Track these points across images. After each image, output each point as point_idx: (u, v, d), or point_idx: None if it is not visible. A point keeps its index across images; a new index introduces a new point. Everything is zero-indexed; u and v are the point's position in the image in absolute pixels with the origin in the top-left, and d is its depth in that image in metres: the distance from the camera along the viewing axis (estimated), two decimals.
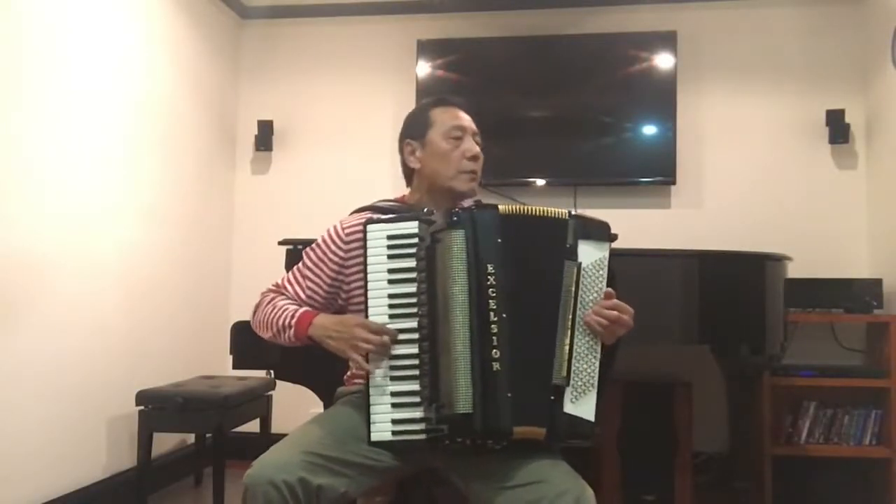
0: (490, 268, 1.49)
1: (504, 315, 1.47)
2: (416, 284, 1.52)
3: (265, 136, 3.99)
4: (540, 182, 3.72)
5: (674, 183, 3.66)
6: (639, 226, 3.67)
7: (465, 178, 1.73)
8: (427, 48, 3.83)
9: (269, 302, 1.73)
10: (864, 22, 3.59)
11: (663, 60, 3.67)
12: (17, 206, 2.50)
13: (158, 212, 3.33)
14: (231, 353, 2.31)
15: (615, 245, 2.24)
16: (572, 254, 1.52)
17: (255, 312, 1.76)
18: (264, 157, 4.06)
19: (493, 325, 1.46)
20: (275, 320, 1.67)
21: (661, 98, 3.65)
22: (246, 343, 1.95)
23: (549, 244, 1.53)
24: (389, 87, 3.86)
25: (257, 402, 3.16)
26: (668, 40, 3.67)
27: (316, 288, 1.73)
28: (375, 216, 1.63)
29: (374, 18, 4.00)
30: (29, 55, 2.56)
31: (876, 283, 3.25)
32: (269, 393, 3.26)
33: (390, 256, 1.54)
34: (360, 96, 3.95)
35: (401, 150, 1.82)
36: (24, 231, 2.53)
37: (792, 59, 3.68)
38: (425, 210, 1.58)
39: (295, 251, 2.33)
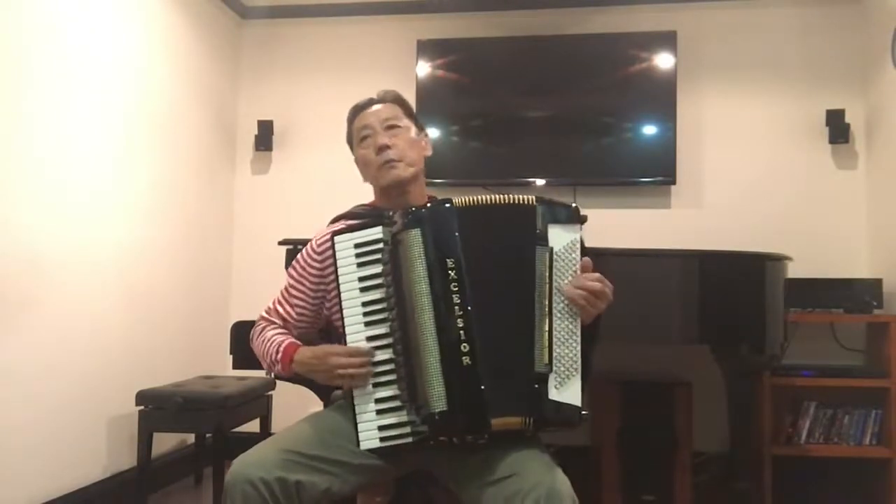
0: (450, 262, 1.48)
1: (470, 308, 1.47)
2: (385, 289, 1.52)
3: (265, 136, 3.99)
4: (540, 182, 3.72)
5: (674, 183, 3.65)
6: (639, 226, 3.68)
7: (383, 172, 1.73)
8: (427, 48, 3.83)
9: (260, 333, 1.76)
10: (864, 22, 3.59)
11: (663, 60, 3.67)
12: (16, 206, 2.50)
13: (158, 212, 3.33)
14: (231, 353, 2.32)
15: (616, 245, 2.26)
16: (543, 239, 1.51)
17: (252, 341, 1.79)
18: (264, 157, 4.06)
19: (459, 320, 1.46)
20: (265, 353, 1.71)
21: (661, 98, 3.65)
22: (246, 343, 1.95)
23: (516, 231, 1.52)
24: (389, 87, 3.81)
25: (257, 402, 3.16)
26: (668, 40, 3.67)
27: (303, 304, 1.75)
28: (345, 225, 1.64)
29: (374, 18, 4.00)
30: (28, 55, 2.56)
31: (876, 283, 3.25)
32: (269, 393, 3.26)
33: (359, 265, 1.55)
34: (361, 96, 3.89)
35: None
36: (23, 231, 2.53)
37: (792, 59, 3.68)
38: (389, 213, 1.58)
39: (295, 251, 2.33)
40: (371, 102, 1.83)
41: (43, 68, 2.62)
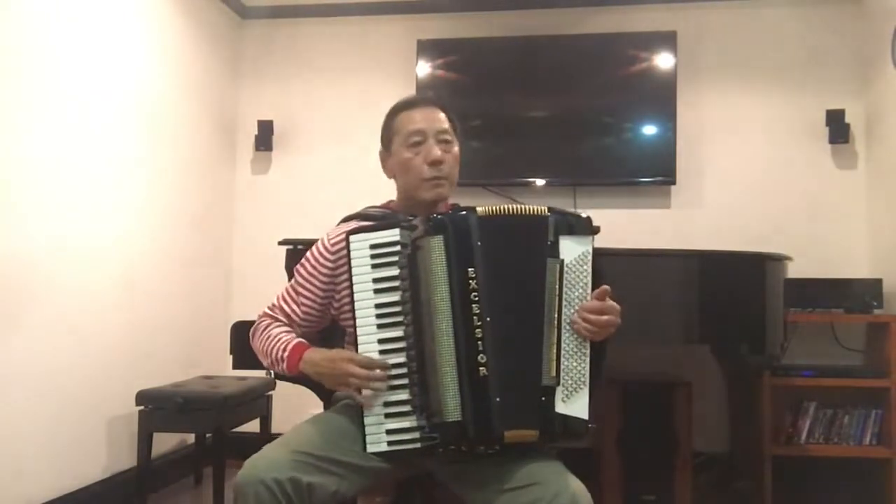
0: (471, 272, 1.48)
1: (489, 318, 1.46)
2: (400, 293, 1.51)
3: (265, 136, 3.99)
4: (540, 182, 3.72)
5: (674, 183, 3.65)
6: (639, 226, 3.68)
7: (428, 186, 1.68)
8: (427, 48, 3.83)
9: (264, 330, 1.73)
10: (864, 22, 3.59)
11: (663, 60, 3.67)
12: (16, 206, 2.50)
13: (158, 211, 3.33)
14: (231, 353, 2.31)
15: (616, 245, 2.26)
16: (554, 251, 1.51)
17: (252, 337, 1.76)
18: (264, 157, 4.06)
19: (477, 330, 1.46)
20: (269, 350, 1.68)
21: (661, 98, 3.65)
22: (246, 343, 1.95)
23: (530, 243, 1.52)
24: (389, 87, 3.85)
25: (257, 402, 3.16)
26: (668, 40, 3.67)
27: (310, 304, 1.73)
28: (359, 225, 1.62)
29: (374, 18, 4.00)
30: (28, 55, 2.56)
31: (876, 283, 3.25)
32: (269, 393, 3.26)
33: (374, 266, 1.53)
34: (360, 96, 3.95)
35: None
36: (23, 231, 2.53)
37: (792, 59, 3.68)
38: (408, 216, 1.56)
39: (295, 251, 2.33)
40: (423, 102, 1.74)
41: (42, 69, 2.62)
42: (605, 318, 1.48)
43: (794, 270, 2.73)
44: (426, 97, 1.80)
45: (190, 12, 3.60)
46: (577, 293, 1.50)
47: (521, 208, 1.54)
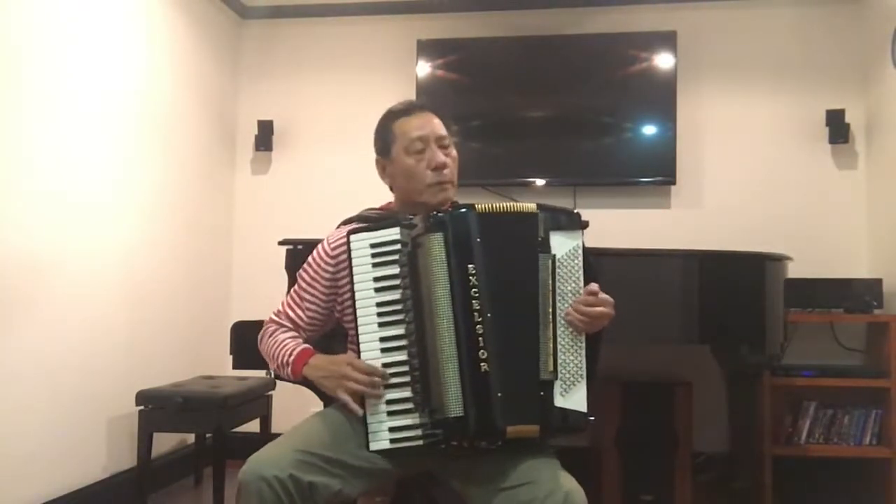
0: (471, 268, 1.49)
1: (489, 314, 1.48)
2: (401, 291, 1.52)
3: (265, 136, 3.99)
4: (540, 182, 3.72)
5: (674, 183, 3.65)
6: (639, 226, 3.68)
7: (434, 191, 1.68)
8: (427, 48, 3.83)
9: (271, 335, 1.74)
10: (864, 22, 3.59)
11: (663, 60, 3.67)
12: (16, 206, 2.50)
13: (159, 212, 3.33)
14: (231, 353, 2.31)
15: (616, 245, 2.26)
16: (545, 246, 1.52)
17: (260, 341, 1.78)
18: (264, 157, 4.06)
19: (478, 326, 1.47)
20: (275, 356, 1.69)
21: (661, 98, 3.65)
22: (246, 343, 1.96)
23: (524, 239, 1.53)
24: (389, 87, 3.85)
25: (257, 402, 3.16)
26: (668, 40, 3.67)
27: (315, 308, 1.73)
28: (359, 226, 1.63)
29: (374, 18, 4.00)
30: (28, 55, 2.56)
31: (876, 283, 3.25)
32: (269, 393, 3.26)
33: (375, 265, 1.55)
34: (360, 96, 3.95)
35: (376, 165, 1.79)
36: (24, 231, 2.53)
37: (792, 59, 3.68)
38: (408, 215, 1.57)
39: (295, 251, 2.33)
40: (417, 108, 1.74)
41: (42, 68, 2.62)
42: (598, 309, 1.50)
43: (794, 270, 2.74)
44: (419, 103, 1.80)
45: (190, 12, 3.60)
46: (569, 287, 1.52)
47: (512, 205, 1.56)
